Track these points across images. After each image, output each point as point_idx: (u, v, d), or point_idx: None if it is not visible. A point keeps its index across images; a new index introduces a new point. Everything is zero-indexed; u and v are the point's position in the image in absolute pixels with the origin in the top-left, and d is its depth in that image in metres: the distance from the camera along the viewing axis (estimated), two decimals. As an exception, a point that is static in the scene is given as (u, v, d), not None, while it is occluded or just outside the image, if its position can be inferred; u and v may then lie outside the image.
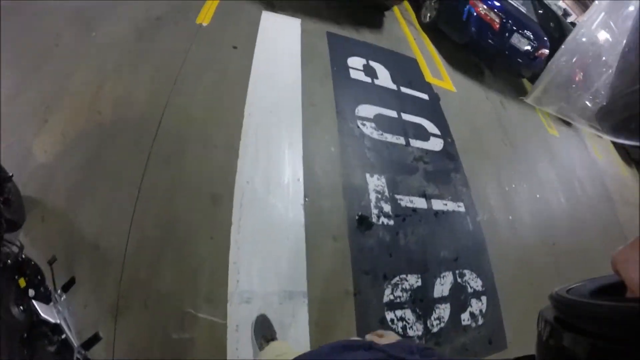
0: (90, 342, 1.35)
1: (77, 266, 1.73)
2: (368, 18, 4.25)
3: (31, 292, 1.28)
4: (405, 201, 2.72)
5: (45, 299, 1.31)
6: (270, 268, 2.06)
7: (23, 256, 1.41)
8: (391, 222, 2.55)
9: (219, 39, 3.15)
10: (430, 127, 3.40)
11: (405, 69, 3.93)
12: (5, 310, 1.13)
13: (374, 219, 2.50)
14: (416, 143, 3.16)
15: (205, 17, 3.32)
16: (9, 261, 1.32)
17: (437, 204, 2.89)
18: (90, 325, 1.51)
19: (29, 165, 2.03)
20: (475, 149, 3.74)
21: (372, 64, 3.67)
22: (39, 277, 1.40)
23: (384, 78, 3.60)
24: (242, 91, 2.81)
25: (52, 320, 1.21)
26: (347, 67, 3.47)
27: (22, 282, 1.28)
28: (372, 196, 2.60)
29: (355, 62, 3.56)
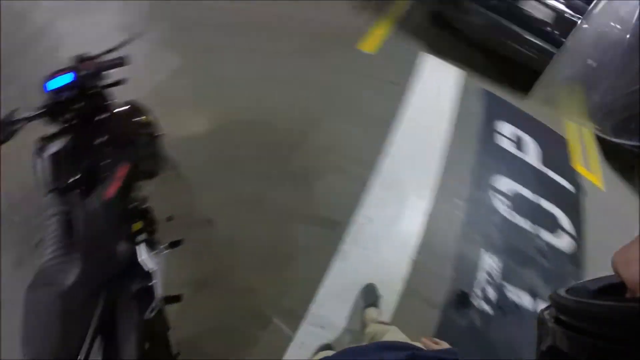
0: (170, 299, 1.45)
1: (188, 232, 1.83)
2: (524, 82, 3.94)
3: (140, 237, 1.40)
4: (513, 293, 2.53)
5: (151, 247, 1.41)
6: (356, 307, 2.09)
7: (146, 205, 1.57)
8: (490, 311, 2.40)
9: (379, 70, 3.26)
10: (565, 221, 3.07)
11: (553, 148, 3.58)
12: (115, 243, 1.25)
13: (475, 301, 2.38)
14: (543, 234, 2.89)
15: (369, 45, 3.46)
16: (133, 204, 1.48)
17: (545, 309, 2.63)
18: (174, 286, 1.57)
19: (180, 133, 2.34)
20: (606, 261, 3.27)
21: (521, 134, 3.44)
22: (152, 227, 1.54)
23: (530, 153, 3.34)
24: (388, 129, 2.87)
25: (148, 266, 1.30)
26: (495, 132, 3.30)
27: (137, 226, 1.42)
28: (482, 276, 2.47)
29: (505, 129, 3.36)
